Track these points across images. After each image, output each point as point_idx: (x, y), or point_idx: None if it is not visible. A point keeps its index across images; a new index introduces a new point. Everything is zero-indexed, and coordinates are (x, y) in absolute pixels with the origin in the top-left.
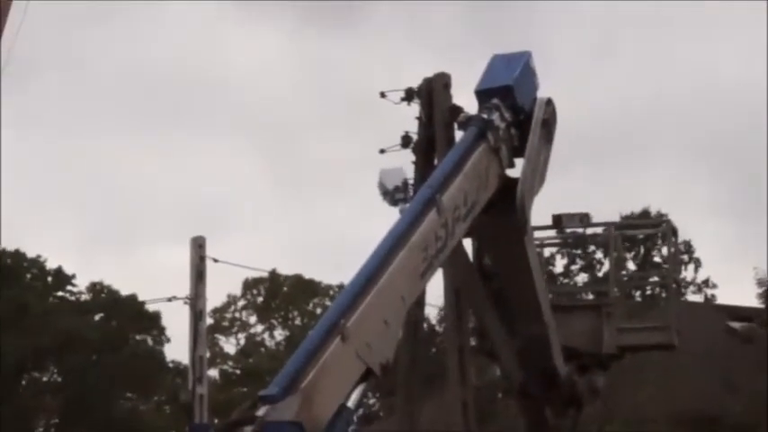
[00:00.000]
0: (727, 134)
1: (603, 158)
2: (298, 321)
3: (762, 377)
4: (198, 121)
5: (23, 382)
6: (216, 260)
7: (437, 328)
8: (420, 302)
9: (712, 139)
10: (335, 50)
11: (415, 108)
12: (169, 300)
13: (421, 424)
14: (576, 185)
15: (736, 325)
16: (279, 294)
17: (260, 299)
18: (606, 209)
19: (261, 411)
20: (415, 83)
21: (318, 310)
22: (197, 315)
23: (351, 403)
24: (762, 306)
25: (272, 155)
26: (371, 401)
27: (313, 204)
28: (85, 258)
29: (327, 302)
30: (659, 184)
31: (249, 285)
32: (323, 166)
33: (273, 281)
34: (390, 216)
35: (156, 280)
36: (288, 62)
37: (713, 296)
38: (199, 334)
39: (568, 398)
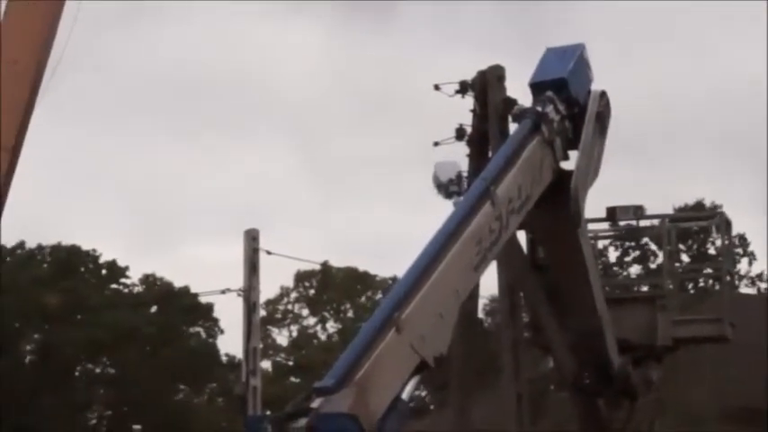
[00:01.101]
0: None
1: (645, 152)
2: (350, 314)
3: None
4: (236, 118)
5: (76, 374)
6: (269, 252)
7: (485, 322)
8: (473, 295)
9: (755, 133)
10: (370, 48)
11: (468, 101)
12: (223, 292)
13: (474, 417)
14: (623, 178)
15: None
16: (331, 287)
17: (312, 291)
18: (653, 202)
19: (315, 403)
20: (450, 78)
21: (370, 303)
22: (250, 307)
23: (405, 395)
24: None
25: (311, 150)
26: (422, 394)
27: (357, 198)
28: (132, 252)
29: (380, 295)
30: (705, 178)
31: (301, 277)
32: (362, 161)
33: (325, 273)
34: (443, 209)
35: (202, 273)
36: (323, 59)
37: (767, 290)
38: (252, 326)
39: (622, 390)
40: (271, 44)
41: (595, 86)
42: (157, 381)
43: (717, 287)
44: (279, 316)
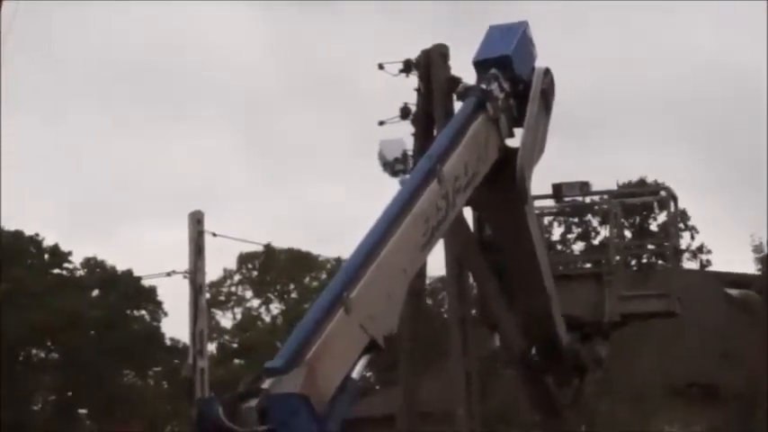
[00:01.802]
0: (711, 110)
1: (586, 132)
2: (294, 295)
3: (761, 345)
4: (177, 99)
5: (20, 359)
6: (215, 234)
7: (428, 301)
8: (421, 274)
9: (696, 115)
10: (311, 26)
11: (412, 80)
12: (168, 274)
13: (421, 396)
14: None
15: (733, 292)
16: (274, 268)
17: (255, 273)
18: (599, 179)
19: (266, 384)
20: (389, 57)
21: (315, 284)
22: (197, 289)
23: (355, 375)
24: (758, 273)
25: (251, 131)
26: (367, 375)
27: (302, 180)
28: (75, 237)
29: (323, 276)
30: (645, 158)
31: (244, 260)
32: (303, 142)
33: (269, 255)
34: (389, 188)
35: (144, 256)
36: (263, 38)
37: (708, 262)
38: (199, 308)
39: (571, 367)
40: (204, 22)
41: (539, 64)
42: (102, 365)
43: (660, 263)
44: (222, 298)
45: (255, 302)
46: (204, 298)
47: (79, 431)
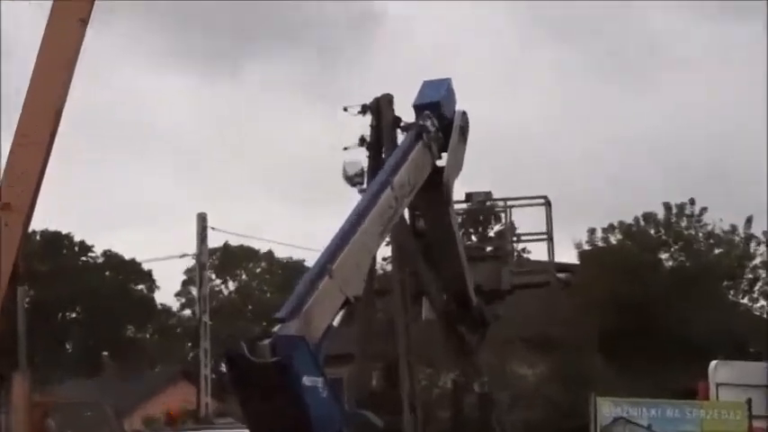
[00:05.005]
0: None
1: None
2: (244, 277)
3: (577, 311)
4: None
5: (58, 318)
6: (213, 228)
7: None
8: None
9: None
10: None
11: (367, 119)
12: (181, 256)
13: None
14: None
15: (561, 275)
16: (230, 258)
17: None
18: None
19: (276, 328)
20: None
21: (258, 270)
22: (202, 266)
23: (335, 323)
24: (577, 263)
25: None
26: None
27: (264, 191)
28: (97, 233)
29: (263, 264)
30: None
31: (211, 253)
32: (288, 162)
33: (226, 249)
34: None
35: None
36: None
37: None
38: (203, 279)
39: (478, 320)
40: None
41: (459, 107)
42: (114, 323)
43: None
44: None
45: (218, 281)
46: (206, 273)
47: (103, 368)
